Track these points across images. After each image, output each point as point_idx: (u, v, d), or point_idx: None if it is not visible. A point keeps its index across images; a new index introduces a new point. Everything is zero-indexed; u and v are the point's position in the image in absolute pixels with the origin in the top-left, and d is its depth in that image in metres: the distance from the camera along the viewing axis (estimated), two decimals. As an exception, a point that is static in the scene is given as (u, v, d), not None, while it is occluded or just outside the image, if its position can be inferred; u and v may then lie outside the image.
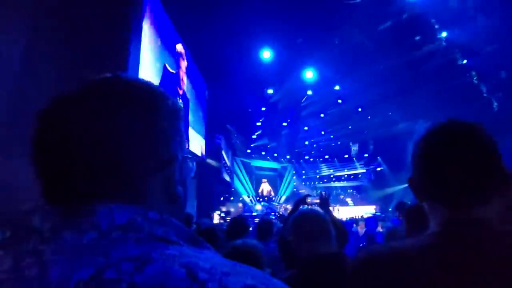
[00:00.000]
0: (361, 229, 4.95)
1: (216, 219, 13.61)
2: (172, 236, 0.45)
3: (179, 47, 9.84)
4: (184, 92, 10.13)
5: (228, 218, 14.26)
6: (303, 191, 25.94)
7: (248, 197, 23.11)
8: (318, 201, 2.92)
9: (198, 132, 11.96)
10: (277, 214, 11.17)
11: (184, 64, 10.25)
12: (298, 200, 2.96)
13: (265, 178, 25.58)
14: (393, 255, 0.75)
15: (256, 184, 24.59)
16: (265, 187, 25.30)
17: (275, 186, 26.12)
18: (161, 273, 0.38)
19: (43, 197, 0.47)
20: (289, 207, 19.68)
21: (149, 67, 6.90)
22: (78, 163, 0.45)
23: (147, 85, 0.53)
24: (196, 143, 11.57)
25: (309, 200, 2.98)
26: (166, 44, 8.35)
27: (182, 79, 9.95)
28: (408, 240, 0.80)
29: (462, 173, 0.74)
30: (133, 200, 0.47)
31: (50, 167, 0.46)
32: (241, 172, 22.97)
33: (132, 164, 0.47)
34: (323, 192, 2.90)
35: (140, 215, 0.45)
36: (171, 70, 8.79)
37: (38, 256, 0.40)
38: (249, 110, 20.21)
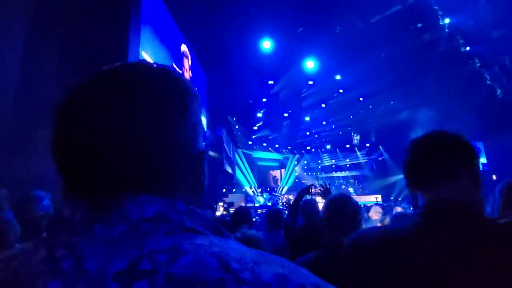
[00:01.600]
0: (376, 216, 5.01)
1: (220, 210, 13.67)
2: (199, 226, 0.45)
3: (183, 47, 9.79)
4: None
5: (231, 209, 14.34)
6: (305, 181, 25.98)
7: (250, 188, 23.16)
8: (319, 190, 3.00)
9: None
10: (284, 204, 11.33)
11: (188, 63, 10.23)
12: (302, 190, 3.05)
13: (271, 170, 25.70)
14: (378, 237, 0.81)
15: (258, 175, 24.64)
16: (277, 175, 25.83)
17: (276, 177, 26.16)
18: (195, 263, 0.39)
19: (65, 192, 0.46)
20: (291, 197, 19.75)
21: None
22: (103, 156, 0.44)
23: (176, 76, 0.52)
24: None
25: (312, 190, 3.03)
26: (168, 42, 8.26)
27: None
28: (397, 223, 0.87)
29: (426, 156, 0.86)
30: (161, 191, 0.46)
31: (74, 162, 0.45)
32: (242, 163, 22.97)
33: (163, 159, 0.46)
34: (325, 183, 2.97)
35: (169, 206, 0.45)
36: (178, 71, 8.74)
37: (71, 248, 0.41)
38: (250, 101, 20.15)
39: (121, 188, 0.44)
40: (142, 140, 0.45)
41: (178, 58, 9.15)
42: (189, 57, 10.42)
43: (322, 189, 2.93)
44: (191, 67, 10.67)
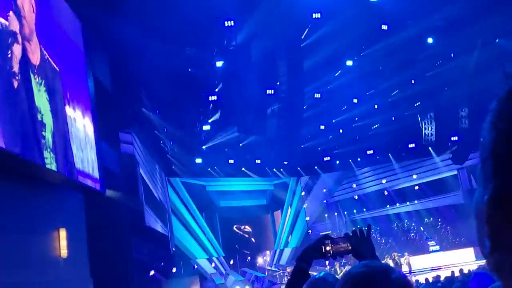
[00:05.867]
0: None
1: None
2: None
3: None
4: (43, 54, 9.99)
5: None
6: (328, 233, 25.82)
7: (211, 262, 22.83)
8: (346, 247, 3.00)
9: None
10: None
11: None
12: (306, 249, 3.01)
13: (250, 216, 25.63)
14: None
15: (224, 231, 24.48)
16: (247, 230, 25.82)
17: (265, 231, 26.02)
18: None
19: None
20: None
21: None
22: None
23: None
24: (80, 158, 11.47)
25: (328, 248, 3.02)
26: None
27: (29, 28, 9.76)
28: None
29: None
30: None
31: None
32: (187, 208, 22.80)
33: None
34: (360, 229, 3.02)
35: None
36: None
37: None
38: (189, 69, 20.03)
39: None
40: None
41: None
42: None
43: (353, 238, 3.00)
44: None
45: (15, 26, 9.18)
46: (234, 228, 25.78)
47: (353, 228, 3.15)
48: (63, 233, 11.39)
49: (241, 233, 25.96)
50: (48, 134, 9.74)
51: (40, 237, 10.77)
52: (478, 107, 22.19)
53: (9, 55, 8.88)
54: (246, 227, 26.19)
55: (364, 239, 2.94)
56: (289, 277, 3.06)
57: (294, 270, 3.00)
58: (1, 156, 8.38)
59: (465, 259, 21.15)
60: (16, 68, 8.91)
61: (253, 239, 26.02)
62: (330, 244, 3.02)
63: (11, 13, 9.20)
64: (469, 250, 22.39)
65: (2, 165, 8.96)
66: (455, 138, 25.16)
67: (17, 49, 9.06)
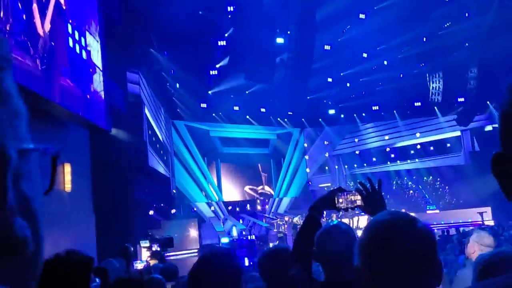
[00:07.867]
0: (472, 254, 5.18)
1: (144, 256, 13.68)
2: None
3: None
4: None
5: (169, 255, 14.29)
6: (327, 185, 25.96)
7: (210, 205, 22.96)
8: (358, 198, 3.05)
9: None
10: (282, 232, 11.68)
11: None
12: (319, 200, 3.09)
13: (252, 163, 25.57)
14: None
15: (226, 175, 24.54)
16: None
17: (265, 180, 26.05)
18: None
19: None
20: (298, 220, 19.86)
21: None
22: None
23: None
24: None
25: (341, 200, 3.05)
26: None
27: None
28: None
29: None
30: None
31: None
32: (190, 152, 22.82)
33: None
34: (368, 179, 3.06)
35: None
36: None
37: None
38: (200, 12, 19.82)
39: None
40: None
41: None
42: None
43: (362, 193, 3.02)
44: None
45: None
46: (247, 189, 25.77)
47: (363, 181, 3.16)
48: (67, 167, 11.50)
49: (255, 194, 26.02)
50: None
51: (45, 171, 10.87)
52: (488, 70, 22.09)
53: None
54: (266, 188, 26.24)
55: (375, 193, 2.96)
56: (301, 226, 3.14)
57: (306, 219, 3.07)
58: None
59: (464, 219, 21.36)
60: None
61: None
62: (342, 197, 3.06)
63: None
64: (466, 211, 22.54)
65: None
66: (462, 99, 25.07)
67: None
